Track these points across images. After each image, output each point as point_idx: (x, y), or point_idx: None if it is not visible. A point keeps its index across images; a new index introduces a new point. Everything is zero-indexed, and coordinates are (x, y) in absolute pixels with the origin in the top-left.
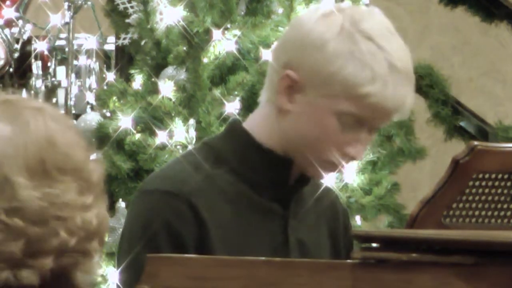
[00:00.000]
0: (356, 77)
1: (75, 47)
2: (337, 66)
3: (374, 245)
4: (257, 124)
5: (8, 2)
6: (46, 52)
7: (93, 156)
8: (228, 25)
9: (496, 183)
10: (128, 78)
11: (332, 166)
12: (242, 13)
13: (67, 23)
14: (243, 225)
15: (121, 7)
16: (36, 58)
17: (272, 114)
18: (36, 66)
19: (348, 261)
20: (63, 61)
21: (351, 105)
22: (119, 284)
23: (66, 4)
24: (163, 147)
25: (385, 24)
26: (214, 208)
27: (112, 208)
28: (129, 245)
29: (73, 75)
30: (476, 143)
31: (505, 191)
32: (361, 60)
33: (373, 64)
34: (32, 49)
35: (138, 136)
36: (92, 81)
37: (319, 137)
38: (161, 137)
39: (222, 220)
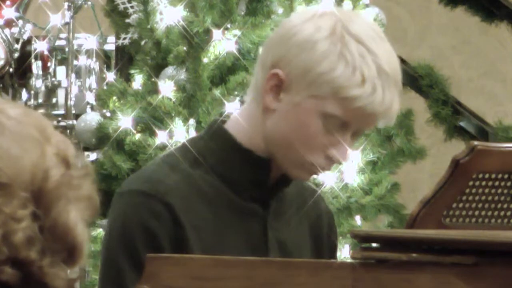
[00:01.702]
0: (345, 79)
1: (75, 47)
2: (327, 66)
3: (374, 245)
4: (239, 124)
5: (8, 2)
6: (46, 52)
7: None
8: (228, 25)
9: (496, 183)
10: (128, 78)
11: (315, 168)
12: (242, 13)
13: (67, 23)
14: (221, 226)
15: (121, 7)
16: (36, 58)
17: (256, 114)
18: (36, 66)
19: (348, 261)
20: (63, 61)
21: (338, 107)
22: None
23: (66, 4)
24: (163, 147)
25: (374, 27)
26: (191, 208)
27: None
28: (108, 247)
29: (73, 75)
30: (476, 143)
31: (505, 191)
32: (351, 62)
33: (363, 67)
34: (32, 49)
35: (138, 136)
36: (92, 81)
37: (302, 138)
38: (161, 137)
39: (199, 220)
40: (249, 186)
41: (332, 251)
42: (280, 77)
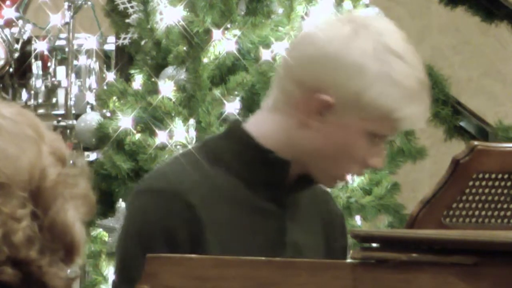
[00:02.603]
0: (397, 101)
1: (75, 47)
2: (377, 90)
3: (374, 245)
4: (260, 127)
5: (8, 2)
6: (46, 52)
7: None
8: (228, 25)
9: (496, 183)
10: (128, 78)
11: (346, 176)
12: (242, 13)
13: (67, 23)
14: (240, 225)
15: (121, 7)
16: (36, 58)
17: (285, 124)
18: (36, 66)
19: (348, 261)
20: (63, 61)
21: (389, 127)
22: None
23: (66, 4)
24: (163, 147)
25: (402, 36)
26: (210, 207)
27: (112, 208)
28: (125, 246)
29: (73, 75)
30: (476, 143)
31: (505, 191)
32: (401, 83)
33: (411, 86)
34: (32, 49)
35: (138, 136)
36: (92, 81)
37: (345, 154)
38: (161, 137)
39: (219, 220)
40: (267, 186)
41: (344, 252)
42: (329, 103)
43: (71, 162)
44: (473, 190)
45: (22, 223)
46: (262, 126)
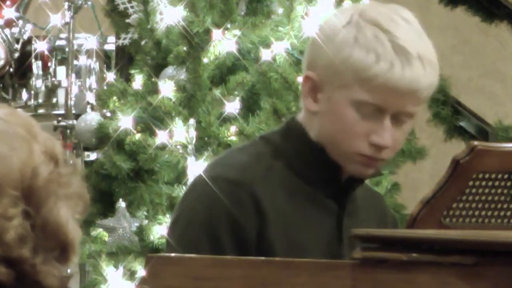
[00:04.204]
0: (361, 61)
1: (75, 47)
2: (345, 54)
3: (374, 245)
4: (306, 123)
5: (8, 2)
6: (46, 52)
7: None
8: (228, 25)
9: (496, 183)
10: (128, 78)
11: (364, 159)
12: (242, 13)
13: (67, 23)
14: (301, 218)
15: (121, 7)
16: (36, 58)
17: (306, 117)
18: (36, 66)
19: (348, 261)
20: (63, 61)
21: (363, 91)
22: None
23: (66, 4)
24: (163, 147)
25: (399, 12)
26: (274, 199)
27: (112, 208)
28: (187, 228)
29: (73, 75)
30: (476, 143)
31: (505, 191)
32: (365, 44)
33: (377, 46)
34: (32, 49)
35: (138, 136)
36: (92, 81)
37: (342, 131)
38: (161, 137)
39: (282, 211)
40: (325, 183)
41: None
42: (313, 79)
43: (64, 161)
44: (473, 190)
45: (13, 222)
46: (306, 123)
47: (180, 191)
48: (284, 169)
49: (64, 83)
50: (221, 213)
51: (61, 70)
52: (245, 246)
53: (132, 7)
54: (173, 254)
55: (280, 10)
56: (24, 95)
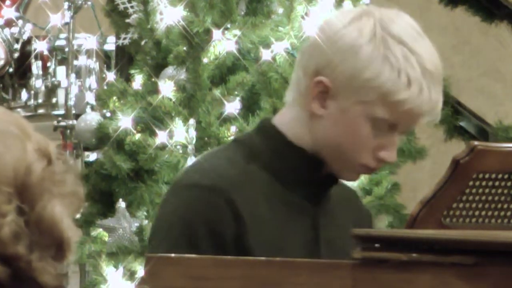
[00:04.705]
0: (392, 83)
1: (75, 47)
2: (372, 72)
3: (374, 245)
4: (286, 124)
5: (8, 2)
6: (46, 52)
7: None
8: (228, 25)
9: (496, 183)
10: (128, 78)
11: (365, 169)
12: (242, 13)
13: (67, 23)
14: (278, 221)
15: (121, 7)
16: (36, 58)
17: (302, 117)
18: (36, 66)
19: (348, 261)
20: (63, 61)
21: (386, 111)
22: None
23: (66, 4)
24: (163, 147)
25: (413, 25)
26: (250, 203)
27: (112, 208)
28: (166, 240)
29: (73, 75)
30: (476, 143)
31: (505, 191)
32: (396, 65)
33: (408, 69)
34: (32, 49)
35: (138, 136)
36: (92, 81)
37: (352, 142)
38: (161, 137)
39: (259, 215)
40: (302, 183)
41: None
42: (325, 85)
43: (58, 160)
44: (473, 190)
45: (7, 218)
46: (287, 122)
47: None
48: (260, 172)
49: (64, 83)
50: (199, 222)
51: (61, 70)
52: (225, 252)
53: (132, 7)
54: (173, 254)
55: (280, 10)
56: (24, 95)
